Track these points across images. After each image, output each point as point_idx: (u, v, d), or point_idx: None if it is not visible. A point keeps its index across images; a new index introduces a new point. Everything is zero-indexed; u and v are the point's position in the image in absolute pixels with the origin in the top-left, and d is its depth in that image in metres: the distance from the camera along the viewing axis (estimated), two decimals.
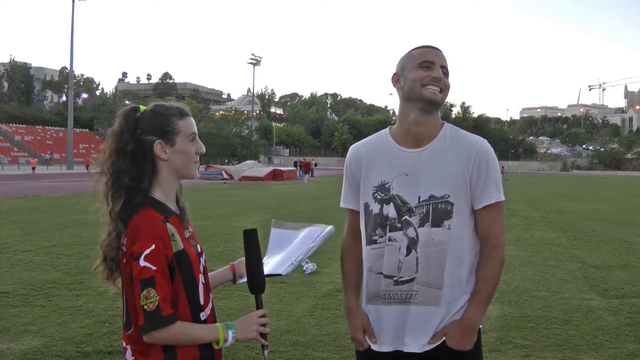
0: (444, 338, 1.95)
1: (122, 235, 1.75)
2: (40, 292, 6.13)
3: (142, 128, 1.80)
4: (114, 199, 1.77)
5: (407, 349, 1.99)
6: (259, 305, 1.90)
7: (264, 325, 1.85)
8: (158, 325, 1.66)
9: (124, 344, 1.81)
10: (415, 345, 1.97)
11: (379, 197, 2.03)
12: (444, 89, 2.00)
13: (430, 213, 1.95)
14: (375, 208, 2.03)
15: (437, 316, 1.96)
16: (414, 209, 1.96)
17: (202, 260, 1.88)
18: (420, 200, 1.96)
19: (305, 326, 5.10)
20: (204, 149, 1.86)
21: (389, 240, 2.00)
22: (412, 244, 1.96)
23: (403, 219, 1.98)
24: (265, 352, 1.88)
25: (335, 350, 4.52)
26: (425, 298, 1.96)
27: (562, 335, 4.98)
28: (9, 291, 6.13)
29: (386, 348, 2.03)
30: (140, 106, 1.85)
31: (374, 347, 2.05)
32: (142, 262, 1.66)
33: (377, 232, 2.02)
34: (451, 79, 2.05)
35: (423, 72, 1.99)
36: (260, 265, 1.92)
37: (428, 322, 1.96)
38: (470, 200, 1.97)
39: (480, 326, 2.02)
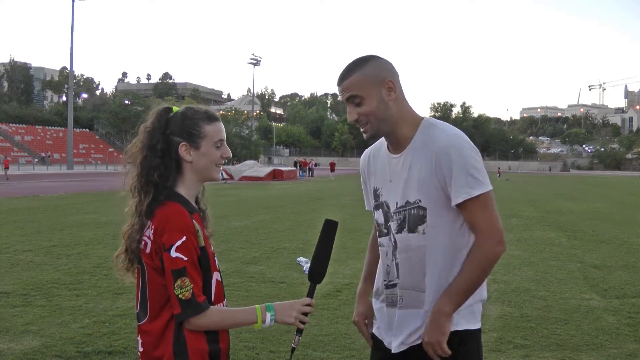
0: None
1: (143, 228, 1.81)
2: (40, 292, 6.13)
3: (171, 128, 1.87)
4: (142, 192, 1.83)
5: (391, 348, 2.02)
6: (309, 294, 1.92)
7: (306, 314, 1.88)
8: (196, 312, 1.73)
9: (137, 335, 1.86)
10: (394, 345, 2.00)
11: (374, 203, 2.11)
12: (367, 118, 1.92)
13: (407, 219, 1.95)
14: (374, 213, 2.12)
15: (419, 317, 1.95)
16: (393, 214, 1.99)
17: (216, 259, 1.93)
18: (398, 206, 1.97)
19: (305, 326, 5.08)
20: (230, 154, 1.92)
21: (381, 245, 2.08)
22: (394, 250, 2.01)
23: (388, 224, 2.02)
24: (297, 337, 1.92)
25: (335, 350, 4.52)
26: (409, 302, 1.97)
27: (562, 335, 4.98)
28: (9, 291, 6.13)
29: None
30: (174, 107, 1.92)
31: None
32: (174, 253, 1.72)
33: (377, 235, 2.11)
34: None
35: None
36: (327, 257, 1.95)
37: (410, 323, 1.96)
38: (449, 201, 1.90)
39: (474, 328, 1.95)
